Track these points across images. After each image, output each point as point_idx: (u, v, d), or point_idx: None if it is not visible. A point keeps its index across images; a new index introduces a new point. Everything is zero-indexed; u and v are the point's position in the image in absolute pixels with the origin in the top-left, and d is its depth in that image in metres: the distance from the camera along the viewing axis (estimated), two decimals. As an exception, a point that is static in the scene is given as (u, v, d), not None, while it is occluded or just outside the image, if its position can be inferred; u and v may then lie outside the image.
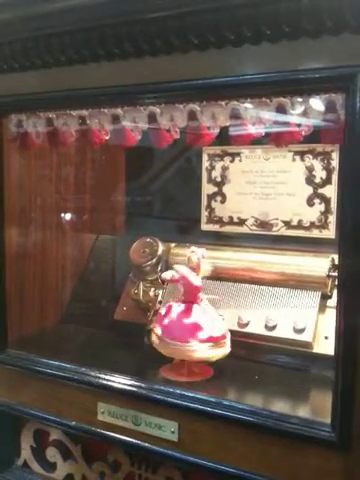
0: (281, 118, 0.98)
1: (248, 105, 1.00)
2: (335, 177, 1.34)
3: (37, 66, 1.14)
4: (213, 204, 1.52)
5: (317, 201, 1.37)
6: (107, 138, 1.21)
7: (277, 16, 0.87)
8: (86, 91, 1.12)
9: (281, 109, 0.97)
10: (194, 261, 1.23)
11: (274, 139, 1.03)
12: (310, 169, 1.37)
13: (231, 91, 0.99)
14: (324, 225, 1.36)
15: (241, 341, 1.27)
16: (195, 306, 1.20)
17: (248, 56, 0.94)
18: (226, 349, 1.18)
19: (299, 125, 1.00)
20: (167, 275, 1.24)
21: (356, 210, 0.89)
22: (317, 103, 0.96)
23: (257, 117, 1.00)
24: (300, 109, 0.97)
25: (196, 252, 1.24)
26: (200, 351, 1.15)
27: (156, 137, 1.13)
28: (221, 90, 0.99)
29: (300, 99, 0.96)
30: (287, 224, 1.41)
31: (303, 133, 1.01)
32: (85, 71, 1.10)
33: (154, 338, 1.21)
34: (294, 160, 1.39)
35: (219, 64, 0.97)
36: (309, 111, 0.97)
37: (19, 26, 1.11)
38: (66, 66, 1.11)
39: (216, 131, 1.08)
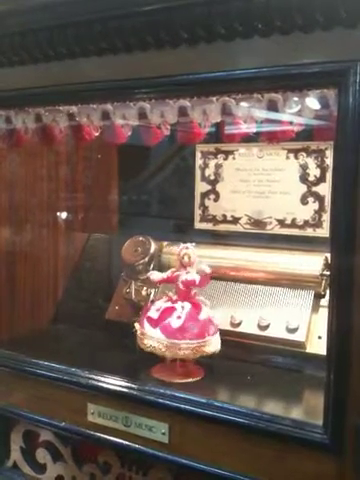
0: (273, 114, 0.97)
1: (240, 101, 0.98)
2: (329, 175, 1.32)
3: (25, 61, 1.12)
4: (207, 202, 1.51)
5: (311, 199, 1.36)
6: (97, 134, 1.19)
7: (269, 10, 0.86)
8: (75, 86, 1.10)
9: (273, 105, 0.95)
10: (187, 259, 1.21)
11: (266, 135, 1.02)
12: (304, 167, 1.36)
13: (222, 86, 0.97)
14: (318, 224, 1.35)
15: (233, 341, 1.26)
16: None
17: (239, 51, 0.93)
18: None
19: (291, 122, 0.98)
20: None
21: (349, 208, 0.87)
22: (310, 99, 0.94)
23: (249, 113, 0.98)
24: (292, 105, 0.95)
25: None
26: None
27: (146, 133, 1.11)
28: (212, 85, 0.98)
29: (292, 95, 0.95)
30: (281, 222, 1.40)
31: (295, 129, 0.99)
32: (74, 66, 1.09)
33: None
34: (288, 158, 1.38)
35: (210, 59, 0.95)
36: (302, 107, 0.95)
37: (7, 20, 1.09)
38: (55, 61, 1.10)
39: (207, 127, 1.06)
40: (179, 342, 1.14)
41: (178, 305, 1.18)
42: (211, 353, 1.18)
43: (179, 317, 1.16)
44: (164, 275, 1.24)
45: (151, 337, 1.16)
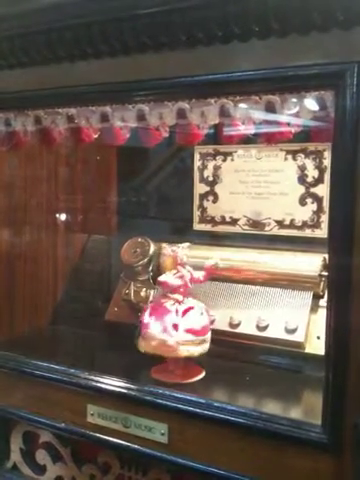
0: (271, 116, 0.97)
1: (238, 103, 0.99)
2: (327, 176, 1.33)
3: (24, 64, 1.12)
4: (205, 204, 1.51)
5: (309, 200, 1.36)
6: (96, 136, 1.20)
7: (266, 12, 0.86)
8: (74, 89, 1.11)
9: (271, 107, 0.96)
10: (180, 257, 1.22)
11: (264, 137, 1.02)
12: (302, 168, 1.36)
13: (220, 88, 0.98)
14: (316, 224, 1.35)
15: (232, 342, 1.26)
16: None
17: (237, 53, 0.93)
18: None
19: (289, 123, 0.99)
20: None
21: (347, 209, 0.87)
22: (307, 100, 0.95)
23: (247, 115, 0.99)
24: (290, 107, 0.95)
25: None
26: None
27: (145, 135, 1.12)
28: (210, 87, 0.98)
29: (290, 97, 0.95)
30: (279, 223, 1.40)
31: (293, 131, 1.00)
32: (73, 69, 1.09)
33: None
34: (286, 159, 1.39)
35: (208, 61, 0.95)
36: (299, 109, 0.96)
37: (6, 23, 1.10)
38: (54, 64, 1.10)
39: (206, 129, 1.07)
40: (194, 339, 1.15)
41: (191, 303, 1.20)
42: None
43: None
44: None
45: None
